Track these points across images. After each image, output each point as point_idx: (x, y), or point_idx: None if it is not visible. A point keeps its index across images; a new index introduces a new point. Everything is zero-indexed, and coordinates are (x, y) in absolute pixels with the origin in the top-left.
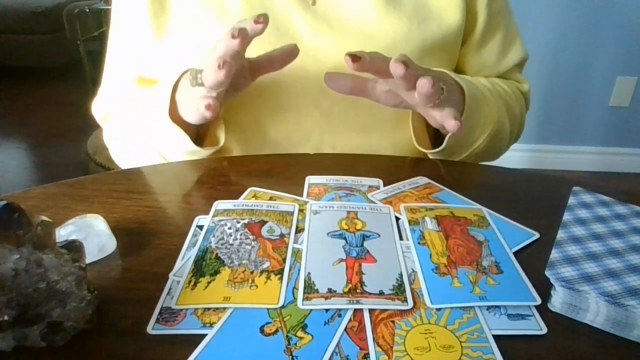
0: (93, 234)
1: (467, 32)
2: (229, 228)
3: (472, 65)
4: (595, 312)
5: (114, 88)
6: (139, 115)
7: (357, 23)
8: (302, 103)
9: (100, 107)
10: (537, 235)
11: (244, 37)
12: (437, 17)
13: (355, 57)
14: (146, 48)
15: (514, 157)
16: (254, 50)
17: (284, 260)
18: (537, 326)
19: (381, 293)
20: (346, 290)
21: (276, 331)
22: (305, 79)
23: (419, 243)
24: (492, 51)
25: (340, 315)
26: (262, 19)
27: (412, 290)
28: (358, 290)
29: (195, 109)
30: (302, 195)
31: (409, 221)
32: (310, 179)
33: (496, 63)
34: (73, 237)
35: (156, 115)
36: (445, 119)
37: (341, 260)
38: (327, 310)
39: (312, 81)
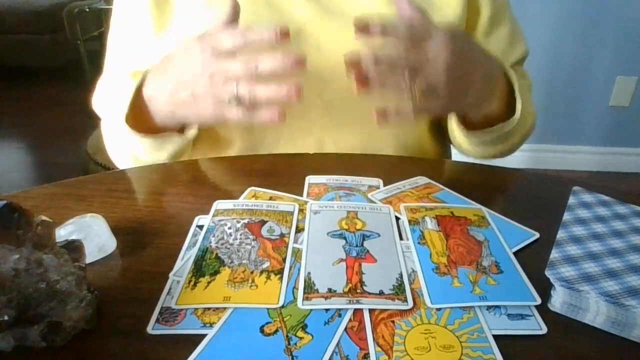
0: (93, 234)
1: (472, 24)
2: (229, 228)
3: None
4: (595, 312)
5: (111, 82)
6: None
7: (360, 13)
8: (305, 95)
9: (100, 100)
10: (537, 235)
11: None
12: (439, 10)
13: (364, 27)
14: (146, 42)
15: (514, 157)
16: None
17: (284, 260)
18: (537, 326)
19: (381, 293)
20: (346, 290)
21: (276, 331)
22: (308, 70)
23: (419, 243)
24: (501, 41)
25: (340, 315)
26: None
27: (412, 290)
28: (358, 290)
29: (197, 115)
30: (302, 195)
31: (409, 221)
32: (310, 179)
33: (505, 55)
34: (73, 237)
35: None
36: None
37: (341, 260)
38: (327, 310)
39: (315, 71)
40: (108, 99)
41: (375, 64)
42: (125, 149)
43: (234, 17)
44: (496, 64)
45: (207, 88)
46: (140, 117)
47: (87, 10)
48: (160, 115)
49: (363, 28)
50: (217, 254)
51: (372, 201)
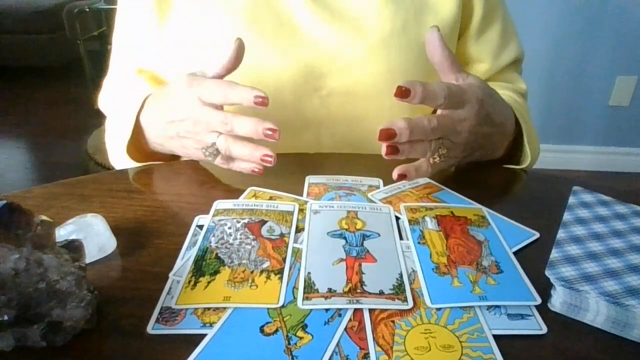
0: (93, 233)
1: (465, 23)
2: (229, 228)
3: (473, 56)
4: (595, 312)
5: (116, 79)
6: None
7: (356, 12)
8: (302, 90)
9: (106, 99)
10: (537, 235)
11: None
12: (433, 9)
13: (405, 92)
14: (149, 36)
15: None
16: (254, 40)
17: (284, 260)
18: (537, 326)
19: (381, 293)
20: (346, 290)
21: (276, 331)
22: (305, 65)
23: (419, 243)
24: (493, 41)
25: (340, 315)
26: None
27: (412, 290)
28: (358, 290)
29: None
30: (302, 195)
31: (409, 221)
32: (310, 179)
33: (497, 54)
34: (73, 237)
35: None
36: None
37: (341, 259)
38: (327, 310)
39: (312, 69)
40: (113, 97)
41: (410, 137)
42: (122, 156)
43: (237, 59)
44: (511, 116)
45: (191, 133)
46: (138, 141)
47: (87, 10)
48: (152, 144)
49: (405, 93)
50: (217, 254)
51: (372, 201)
